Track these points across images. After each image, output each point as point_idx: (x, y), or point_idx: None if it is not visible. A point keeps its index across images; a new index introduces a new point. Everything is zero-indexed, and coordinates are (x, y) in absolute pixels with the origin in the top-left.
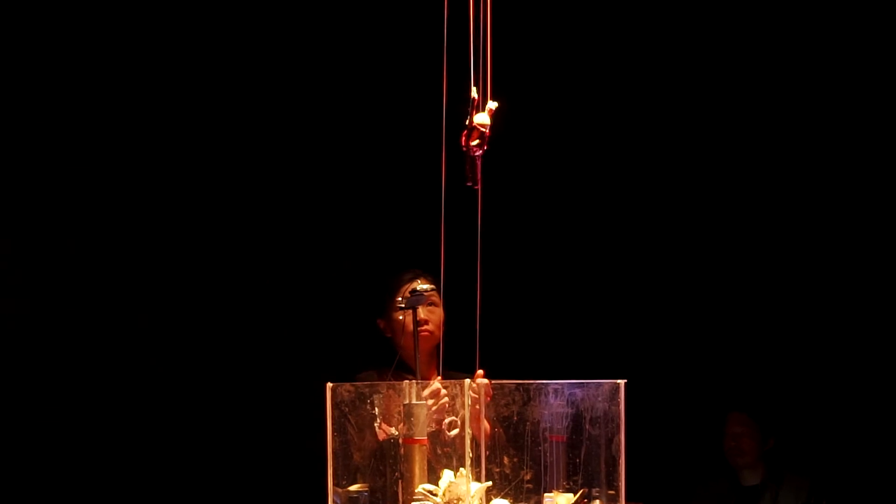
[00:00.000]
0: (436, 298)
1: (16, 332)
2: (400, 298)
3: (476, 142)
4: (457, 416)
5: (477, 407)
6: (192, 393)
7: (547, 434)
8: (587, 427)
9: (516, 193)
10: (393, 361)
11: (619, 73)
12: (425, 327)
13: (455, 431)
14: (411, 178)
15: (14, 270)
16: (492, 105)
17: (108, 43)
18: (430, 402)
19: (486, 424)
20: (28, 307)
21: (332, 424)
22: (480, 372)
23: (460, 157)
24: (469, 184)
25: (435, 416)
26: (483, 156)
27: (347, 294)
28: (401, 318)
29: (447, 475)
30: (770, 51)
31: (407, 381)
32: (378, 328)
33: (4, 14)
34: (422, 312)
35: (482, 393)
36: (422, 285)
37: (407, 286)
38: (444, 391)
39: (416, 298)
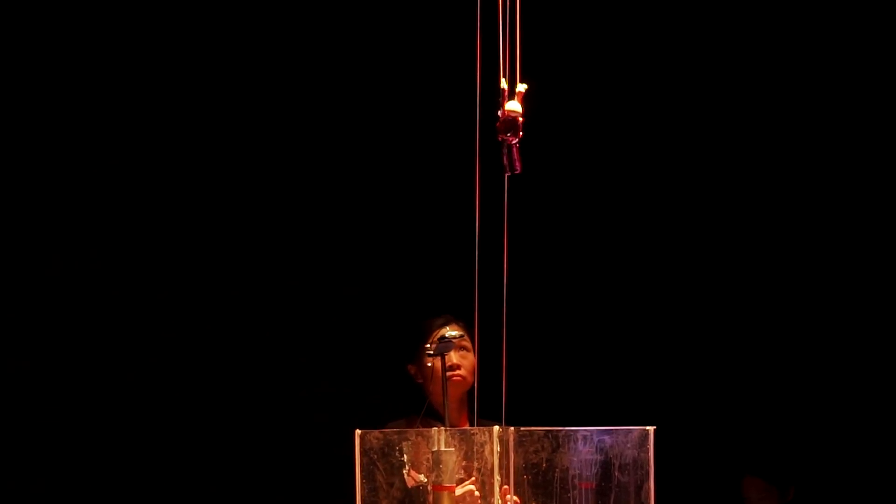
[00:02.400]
0: (467, 343)
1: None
2: (429, 345)
3: (510, 132)
4: None
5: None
6: (221, 440)
7: (576, 481)
8: (616, 474)
9: (545, 233)
10: (422, 407)
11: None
12: (457, 372)
13: None
14: (442, 224)
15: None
16: (521, 88)
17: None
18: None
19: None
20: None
21: (361, 471)
22: (507, 488)
23: (493, 201)
24: (508, 174)
25: None
26: (519, 146)
27: (377, 340)
28: (430, 364)
29: None
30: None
31: (436, 429)
32: (408, 374)
33: (4, 14)
34: (453, 357)
35: None
36: (451, 332)
37: (437, 332)
38: (477, 493)
39: (445, 345)
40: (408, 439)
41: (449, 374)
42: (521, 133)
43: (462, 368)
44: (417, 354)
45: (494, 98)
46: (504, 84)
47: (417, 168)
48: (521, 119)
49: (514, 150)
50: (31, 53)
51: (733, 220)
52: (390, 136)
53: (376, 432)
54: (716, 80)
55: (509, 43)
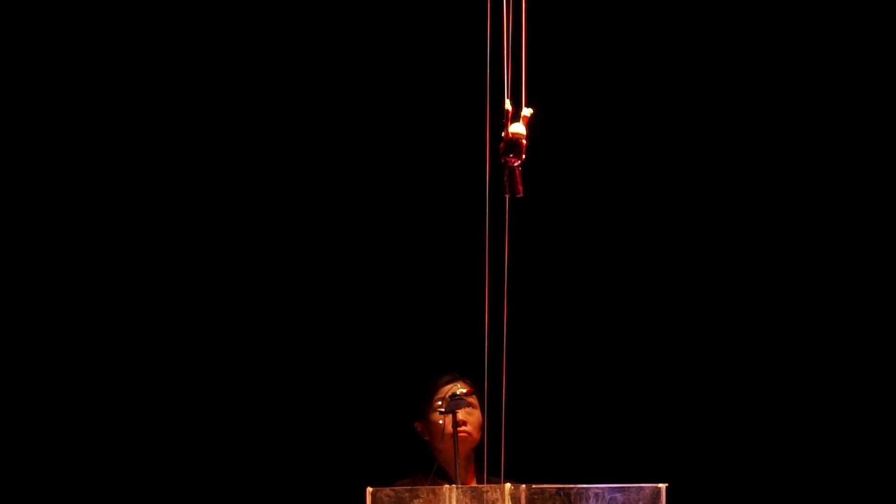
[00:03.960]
0: (473, 400)
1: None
2: (440, 402)
3: (512, 154)
4: None
5: None
6: (230, 498)
7: None
8: None
9: (551, 284)
10: (428, 464)
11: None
12: (464, 428)
13: None
14: (450, 282)
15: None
16: (526, 112)
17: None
18: None
19: None
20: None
21: None
22: None
23: (498, 258)
24: (507, 195)
25: None
26: (522, 168)
27: (384, 398)
28: (440, 421)
29: None
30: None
31: (447, 486)
32: (415, 432)
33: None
34: (460, 414)
35: None
36: (461, 389)
37: (445, 388)
38: None
39: (456, 402)
40: (419, 496)
41: None
42: (523, 156)
43: (468, 425)
44: (424, 412)
45: (499, 119)
46: (508, 105)
47: (426, 235)
48: (524, 142)
49: (517, 172)
50: (31, 53)
51: (749, 263)
52: (395, 183)
53: (387, 490)
54: (718, 102)
55: (514, 64)
